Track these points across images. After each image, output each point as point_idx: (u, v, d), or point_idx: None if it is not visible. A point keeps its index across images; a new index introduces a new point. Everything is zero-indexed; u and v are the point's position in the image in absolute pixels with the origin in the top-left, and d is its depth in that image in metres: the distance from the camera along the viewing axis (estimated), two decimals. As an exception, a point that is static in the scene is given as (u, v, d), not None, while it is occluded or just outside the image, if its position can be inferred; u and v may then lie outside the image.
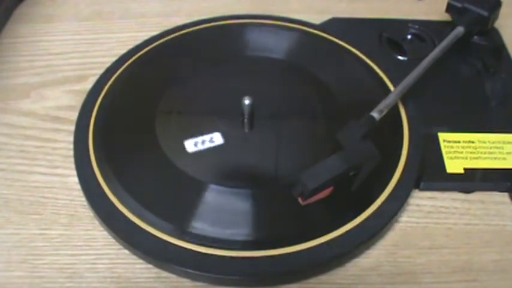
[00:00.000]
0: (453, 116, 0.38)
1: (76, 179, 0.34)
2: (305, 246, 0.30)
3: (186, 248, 0.30)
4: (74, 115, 0.38)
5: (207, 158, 0.34)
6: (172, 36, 0.43)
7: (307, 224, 0.32)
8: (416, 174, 0.34)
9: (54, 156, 0.37)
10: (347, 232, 0.31)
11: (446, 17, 0.45)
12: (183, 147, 0.34)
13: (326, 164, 0.31)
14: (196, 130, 0.36)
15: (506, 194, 0.35)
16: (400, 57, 0.42)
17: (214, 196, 0.32)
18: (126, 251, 0.32)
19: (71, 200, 0.34)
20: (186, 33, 0.43)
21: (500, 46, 0.43)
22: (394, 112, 0.37)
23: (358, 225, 0.31)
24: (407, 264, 0.32)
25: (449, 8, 0.44)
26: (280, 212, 0.32)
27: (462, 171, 0.35)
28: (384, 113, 0.34)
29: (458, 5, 0.43)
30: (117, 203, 0.32)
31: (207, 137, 0.34)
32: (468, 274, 0.31)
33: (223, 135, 0.35)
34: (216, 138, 0.34)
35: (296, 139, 0.36)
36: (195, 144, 0.34)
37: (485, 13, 0.42)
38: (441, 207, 0.34)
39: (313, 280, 0.31)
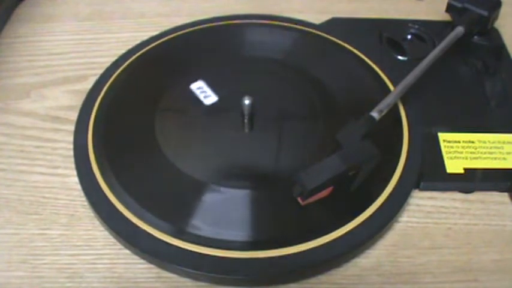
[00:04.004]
0: (453, 116, 0.38)
1: (76, 179, 0.34)
2: (305, 247, 0.30)
3: (186, 248, 0.30)
4: (74, 115, 0.38)
5: (207, 158, 0.34)
6: (172, 36, 0.43)
7: (308, 225, 0.32)
8: (416, 174, 0.34)
9: (54, 156, 0.37)
10: (347, 232, 0.31)
11: (446, 17, 0.45)
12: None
13: (325, 164, 0.31)
14: (196, 130, 0.36)
15: (506, 194, 0.35)
16: (400, 57, 0.42)
17: (214, 196, 0.32)
18: (127, 251, 0.32)
19: (71, 200, 0.34)
20: (186, 33, 0.43)
21: (500, 46, 0.43)
22: (394, 112, 0.37)
23: (358, 226, 0.31)
24: (408, 264, 0.32)
25: (449, 8, 0.44)
26: (280, 212, 0.32)
27: (462, 171, 0.35)
28: (383, 113, 0.34)
29: (458, 5, 0.43)
30: (117, 203, 0.32)
31: (208, 91, 0.35)
32: (468, 274, 0.31)
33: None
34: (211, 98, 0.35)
35: (296, 139, 0.36)
36: (198, 88, 0.35)
37: (485, 13, 0.42)
38: (441, 207, 0.34)
39: (313, 280, 0.31)
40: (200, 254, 0.30)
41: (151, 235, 0.31)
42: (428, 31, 0.44)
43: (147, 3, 0.49)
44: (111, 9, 0.48)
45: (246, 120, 0.36)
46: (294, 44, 0.42)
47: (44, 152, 0.37)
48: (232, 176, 0.34)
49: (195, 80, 0.38)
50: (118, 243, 0.32)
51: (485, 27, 0.43)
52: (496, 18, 0.43)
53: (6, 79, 0.42)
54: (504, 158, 0.36)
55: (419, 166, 0.34)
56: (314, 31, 0.43)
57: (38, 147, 0.37)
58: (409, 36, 0.44)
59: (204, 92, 0.34)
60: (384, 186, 0.33)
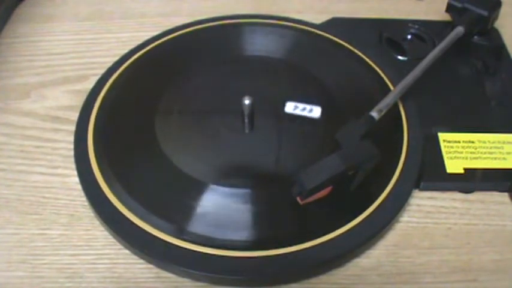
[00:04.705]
0: (453, 116, 0.38)
1: (76, 179, 0.34)
2: (305, 246, 0.30)
3: (186, 248, 0.30)
4: (74, 115, 0.38)
5: (207, 158, 0.34)
6: (172, 36, 0.43)
7: (307, 224, 0.32)
8: (416, 174, 0.34)
9: (54, 156, 0.37)
10: (347, 232, 0.31)
11: (446, 17, 0.45)
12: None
13: (324, 164, 0.31)
14: (197, 130, 0.36)
15: (506, 194, 0.35)
16: (400, 57, 0.42)
17: (214, 196, 0.32)
18: (127, 251, 0.32)
19: (71, 200, 0.34)
20: (186, 33, 0.43)
21: (500, 46, 0.43)
22: (393, 112, 0.37)
23: (358, 225, 0.31)
24: (408, 264, 0.32)
25: (449, 8, 0.44)
26: (280, 212, 0.32)
27: (462, 171, 0.35)
28: (383, 113, 0.34)
29: (458, 5, 0.43)
30: (117, 203, 0.32)
31: (307, 106, 0.35)
32: (468, 274, 0.31)
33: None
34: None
35: (296, 139, 0.36)
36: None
37: (485, 13, 0.42)
38: (441, 207, 0.34)
39: (313, 280, 0.31)
40: (199, 253, 0.30)
41: (151, 235, 0.31)
42: (428, 31, 0.44)
43: (147, 3, 0.49)
44: (111, 9, 0.48)
45: (246, 120, 0.36)
46: (294, 43, 0.42)
47: (44, 152, 0.37)
48: (232, 176, 0.34)
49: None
50: (118, 243, 0.32)
51: (485, 27, 0.43)
52: (496, 18, 0.43)
53: (6, 79, 0.42)
54: (504, 158, 0.36)
55: (419, 166, 0.34)
56: (314, 31, 0.43)
57: (38, 147, 0.37)
58: (409, 36, 0.44)
59: (304, 109, 0.35)
60: (384, 186, 0.33)
